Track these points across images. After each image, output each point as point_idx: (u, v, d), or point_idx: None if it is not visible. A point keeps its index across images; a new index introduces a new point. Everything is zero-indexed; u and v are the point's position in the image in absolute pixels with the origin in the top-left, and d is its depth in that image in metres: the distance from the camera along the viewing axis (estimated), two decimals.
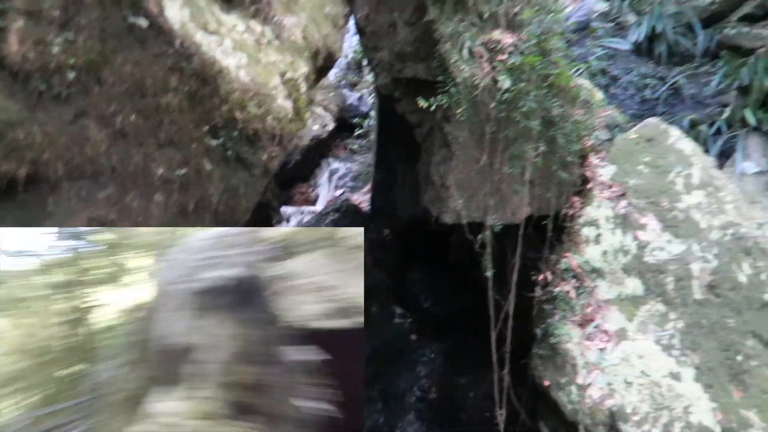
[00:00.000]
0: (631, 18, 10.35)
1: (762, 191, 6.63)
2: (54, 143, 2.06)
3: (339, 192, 7.50)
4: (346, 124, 8.88)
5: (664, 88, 8.66)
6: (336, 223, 5.60)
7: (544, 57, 3.86)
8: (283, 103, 2.74)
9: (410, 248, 5.88)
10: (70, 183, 2.12)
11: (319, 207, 7.21)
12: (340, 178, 7.85)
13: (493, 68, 3.83)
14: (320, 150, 8.41)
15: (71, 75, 2.06)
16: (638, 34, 9.62)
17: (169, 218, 2.38)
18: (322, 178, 8.01)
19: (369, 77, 9.72)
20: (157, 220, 2.34)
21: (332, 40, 4.05)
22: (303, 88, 2.99)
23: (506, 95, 3.74)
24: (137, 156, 2.27)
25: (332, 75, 9.97)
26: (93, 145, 2.16)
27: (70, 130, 2.11)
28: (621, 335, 3.85)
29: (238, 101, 2.51)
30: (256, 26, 2.94)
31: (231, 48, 2.65)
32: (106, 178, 2.20)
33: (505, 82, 3.70)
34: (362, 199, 6.52)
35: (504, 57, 3.84)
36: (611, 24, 10.33)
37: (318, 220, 5.76)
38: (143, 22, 2.23)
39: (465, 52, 3.78)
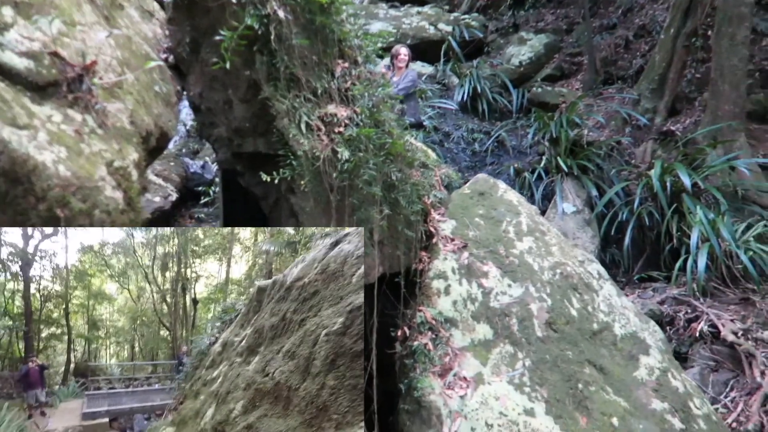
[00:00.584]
0: (455, 80, 11.41)
1: (581, 227, 7.50)
2: None
3: None
4: (190, 193, 8.56)
5: (489, 142, 9.59)
6: None
7: (378, 128, 4.09)
8: (112, 195, 2.58)
9: None
10: None
11: None
12: None
13: (332, 140, 3.97)
14: (165, 222, 8.00)
15: None
16: (462, 94, 10.63)
17: None
18: None
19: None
20: None
21: (165, 119, 3.92)
22: (134, 175, 2.84)
23: (347, 165, 3.87)
24: None
25: (171, 144, 9.64)
26: None
27: None
28: (478, 380, 4.05)
29: (59, 198, 2.32)
30: (76, 115, 2.76)
31: (47, 142, 2.45)
32: None
33: (344, 153, 3.84)
34: None
35: (341, 129, 4.00)
36: (438, 86, 11.32)
37: None
38: None
39: (303, 126, 3.88)
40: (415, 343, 4.28)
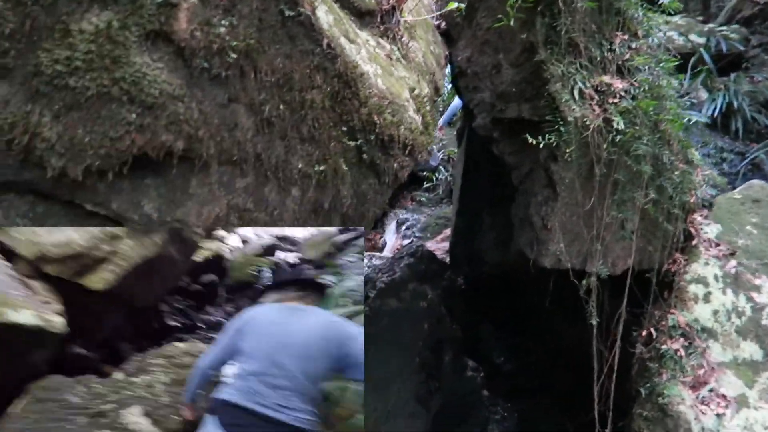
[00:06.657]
0: (703, 95, 10.23)
1: None
2: (208, 122, 2.02)
3: (407, 241, 7.39)
4: (414, 177, 8.90)
5: (743, 164, 8.40)
6: (411, 268, 5.45)
7: (658, 102, 3.77)
8: (414, 116, 2.69)
9: (484, 299, 5.65)
10: (218, 166, 2.06)
11: (386, 254, 7.09)
12: (407, 228, 7.76)
13: (604, 110, 3.74)
14: (391, 200, 8.40)
15: (232, 56, 2.05)
16: (712, 109, 9.46)
17: (303, 214, 2.29)
18: (390, 227, 7.94)
19: (437, 134, 9.81)
20: (291, 215, 2.25)
21: (438, 77, 4.06)
22: (428, 106, 2.95)
23: (620, 137, 3.62)
24: (279, 147, 2.21)
25: None
26: (242, 130, 2.11)
27: (222, 112, 2.08)
28: (741, 402, 3.49)
29: (376, 106, 2.47)
30: (386, 44, 2.95)
31: (367, 58, 2.64)
32: (248, 166, 2.14)
33: (619, 123, 3.59)
34: (435, 247, 6.38)
35: (616, 100, 3.76)
36: (683, 98, 10.25)
37: (392, 264, 5.62)
38: (297, 17, 2.23)
39: (576, 92, 3.72)
40: (664, 347, 3.83)
